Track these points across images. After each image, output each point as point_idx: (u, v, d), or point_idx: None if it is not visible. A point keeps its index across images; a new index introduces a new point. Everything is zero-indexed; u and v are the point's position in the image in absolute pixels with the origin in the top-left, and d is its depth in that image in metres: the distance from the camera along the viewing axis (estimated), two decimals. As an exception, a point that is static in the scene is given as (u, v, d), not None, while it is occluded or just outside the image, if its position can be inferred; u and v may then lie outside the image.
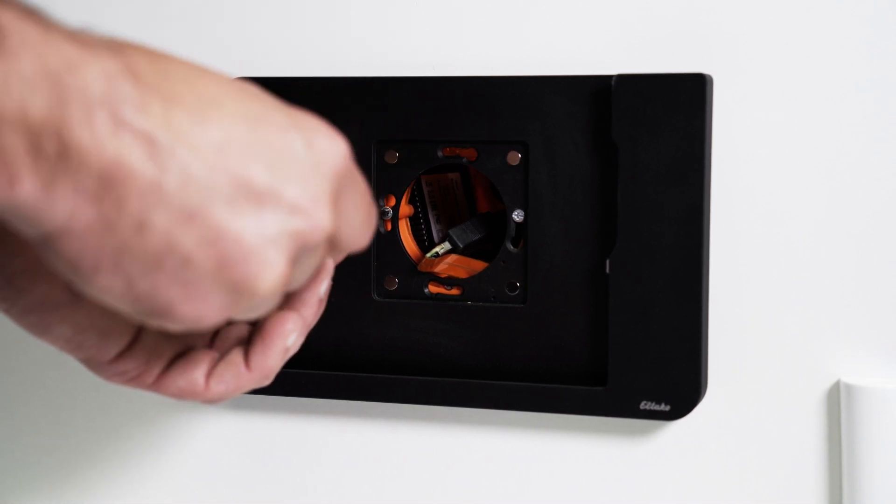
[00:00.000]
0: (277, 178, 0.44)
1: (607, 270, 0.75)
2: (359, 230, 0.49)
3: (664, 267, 0.73)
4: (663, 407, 0.74)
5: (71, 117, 0.40)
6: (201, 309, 0.44)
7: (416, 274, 0.80)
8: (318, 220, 0.45)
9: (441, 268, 0.79)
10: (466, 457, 0.82)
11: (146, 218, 0.42)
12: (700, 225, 0.73)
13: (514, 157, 0.77)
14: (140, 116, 0.41)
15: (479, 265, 0.80)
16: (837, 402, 0.75)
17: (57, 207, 0.41)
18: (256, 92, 0.48)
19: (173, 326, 0.45)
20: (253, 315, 0.46)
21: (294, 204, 0.44)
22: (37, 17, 0.43)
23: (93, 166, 0.41)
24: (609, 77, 0.74)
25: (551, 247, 0.77)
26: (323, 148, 0.46)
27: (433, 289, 0.80)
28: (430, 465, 0.83)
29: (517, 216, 0.77)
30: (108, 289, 0.43)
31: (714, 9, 0.75)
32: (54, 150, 0.40)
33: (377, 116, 0.79)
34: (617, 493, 0.80)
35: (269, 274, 0.44)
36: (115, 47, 0.44)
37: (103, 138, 0.41)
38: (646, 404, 0.74)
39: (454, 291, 0.80)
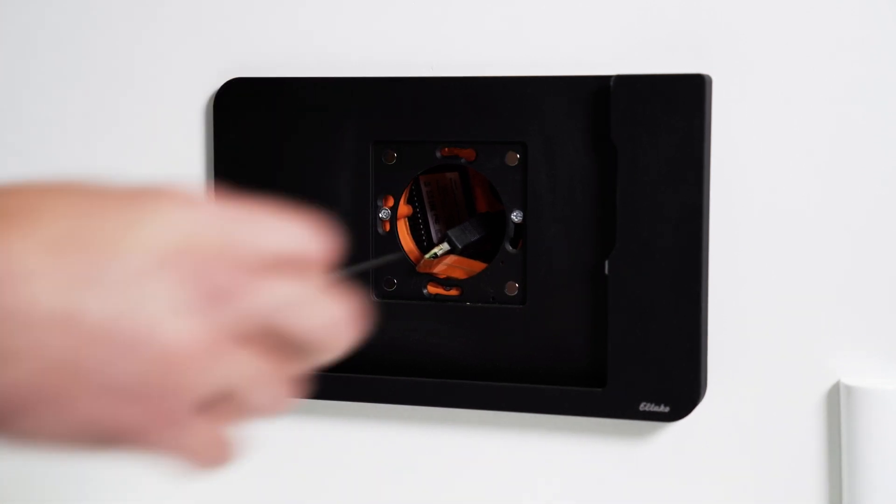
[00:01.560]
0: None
1: (606, 271, 0.75)
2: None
3: (663, 267, 0.73)
4: (663, 408, 0.74)
5: None
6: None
7: (414, 275, 0.80)
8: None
9: (440, 268, 0.79)
10: (466, 458, 0.82)
11: (21, 338, 0.40)
12: (699, 225, 0.73)
13: (513, 158, 0.77)
14: None
15: (477, 266, 0.80)
16: (837, 402, 0.75)
17: None
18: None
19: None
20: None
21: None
22: None
23: None
24: (608, 77, 0.74)
25: (550, 247, 0.77)
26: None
27: (432, 289, 0.80)
28: (430, 466, 0.83)
29: (516, 217, 0.77)
30: (39, 426, 0.42)
31: (713, 9, 0.75)
32: None
33: (376, 117, 0.79)
34: (617, 495, 0.80)
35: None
36: None
37: None
38: (645, 405, 0.74)
39: (453, 292, 0.80)
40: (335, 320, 0.47)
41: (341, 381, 0.80)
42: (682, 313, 0.73)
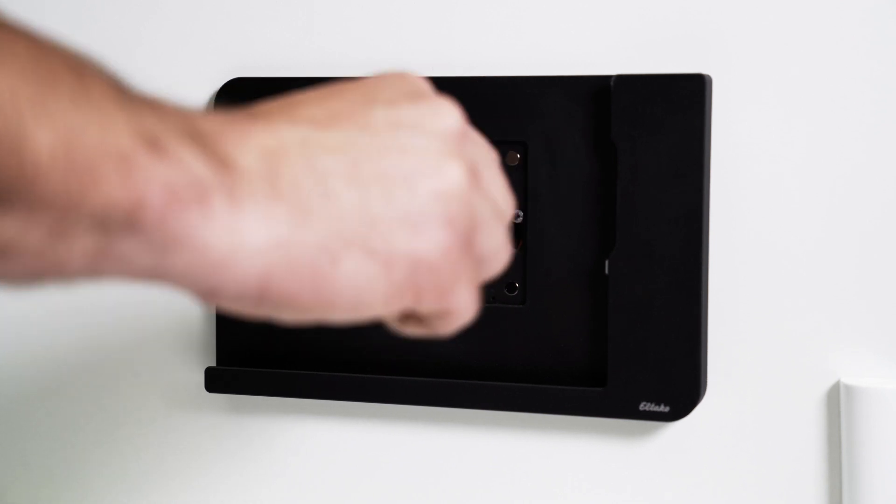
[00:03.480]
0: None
1: (606, 271, 0.75)
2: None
3: (663, 267, 0.73)
4: (663, 408, 0.74)
5: (214, 131, 0.45)
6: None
7: (415, 274, 0.80)
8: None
9: (440, 268, 0.78)
10: (465, 458, 0.82)
11: (325, 184, 0.44)
12: (699, 225, 0.73)
13: (513, 158, 0.77)
14: (257, 123, 0.47)
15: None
16: (837, 402, 0.75)
17: (253, 217, 0.42)
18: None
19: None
20: None
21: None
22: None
23: (254, 162, 0.44)
24: (608, 77, 0.74)
25: (550, 247, 0.77)
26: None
27: (432, 289, 0.80)
28: (430, 466, 0.83)
29: (516, 217, 0.77)
30: (357, 276, 0.45)
31: (713, 9, 0.75)
32: (219, 157, 0.42)
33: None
34: (616, 495, 0.80)
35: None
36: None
37: (243, 135, 0.45)
38: (645, 405, 0.74)
39: (453, 292, 0.80)
40: (506, 189, 0.52)
41: (341, 382, 0.80)
42: (682, 313, 0.73)
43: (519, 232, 0.78)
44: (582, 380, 0.77)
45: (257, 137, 0.44)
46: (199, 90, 0.84)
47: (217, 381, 0.83)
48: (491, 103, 0.77)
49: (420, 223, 0.46)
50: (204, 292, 0.42)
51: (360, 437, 0.84)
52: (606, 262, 0.75)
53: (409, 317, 0.48)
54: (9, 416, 0.92)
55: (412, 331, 0.49)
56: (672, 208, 0.73)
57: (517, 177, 0.77)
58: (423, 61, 0.80)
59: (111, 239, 0.40)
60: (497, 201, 0.50)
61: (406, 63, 0.80)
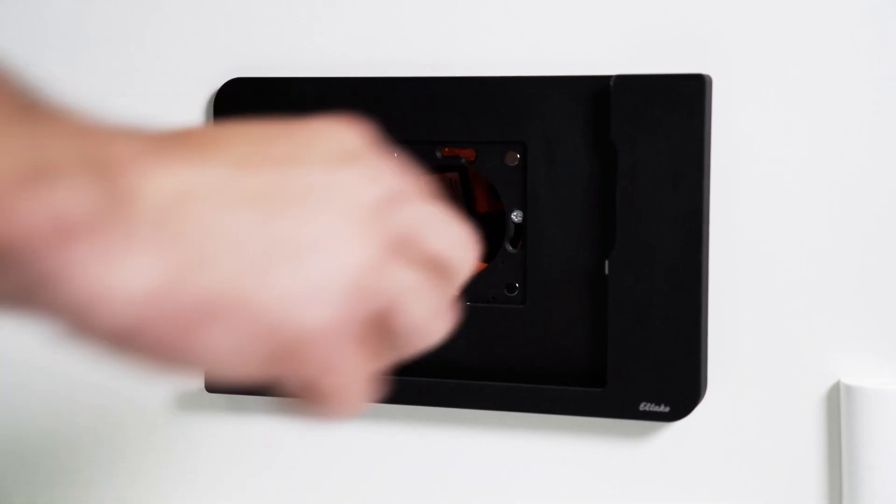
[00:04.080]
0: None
1: (606, 271, 0.75)
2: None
3: (663, 268, 0.73)
4: (663, 408, 0.74)
5: (114, 168, 0.40)
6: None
7: (415, 274, 0.80)
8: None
9: (440, 268, 0.78)
10: (465, 458, 0.82)
11: (217, 239, 0.42)
12: (699, 225, 0.73)
13: (513, 158, 0.77)
14: (168, 157, 0.42)
15: (477, 266, 0.80)
16: (837, 402, 0.75)
17: (132, 260, 0.39)
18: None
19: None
20: None
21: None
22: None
23: (150, 206, 0.40)
24: (608, 77, 0.74)
25: (550, 248, 0.77)
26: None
27: (432, 289, 0.80)
28: (430, 466, 0.83)
29: (516, 217, 0.77)
30: (218, 345, 0.43)
31: (713, 9, 0.75)
32: (112, 190, 0.39)
33: (376, 117, 0.79)
34: (616, 495, 0.80)
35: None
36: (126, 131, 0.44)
37: (144, 177, 0.41)
38: (645, 405, 0.74)
39: (453, 292, 0.80)
40: (462, 239, 0.49)
41: (341, 381, 0.80)
42: (682, 313, 0.73)
43: (519, 232, 0.78)
44: (582, 380, 0.77)
45: (171, 174, 0.41)
46: (199, 90, 0.84)
47: (217, 381, 0.83)
48: (491, 103, 0.77)
49: (311, 298, 0.44)
50: (66, 330, 0.40)
51: (361, 437, 0.84)
52: (606, 262, 0.75)
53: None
54: (9, 417, 0.92)
55: (306, 404, 0.47)
56: (672, 208, 0.73)
57: (516, 177, 0.77)
58: (423, 61, 0.80)
59: None
60: (438, 263, 0.47)
61: (406, 63, 0.80)
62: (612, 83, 0.73)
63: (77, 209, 0.38)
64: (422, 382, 0.79)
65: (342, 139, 0.47)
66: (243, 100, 0.82)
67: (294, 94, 0.81)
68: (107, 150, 0.40)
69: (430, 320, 0.48)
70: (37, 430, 0.91)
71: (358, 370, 0.46)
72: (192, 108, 0.84)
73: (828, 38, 0.73)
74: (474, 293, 0.79)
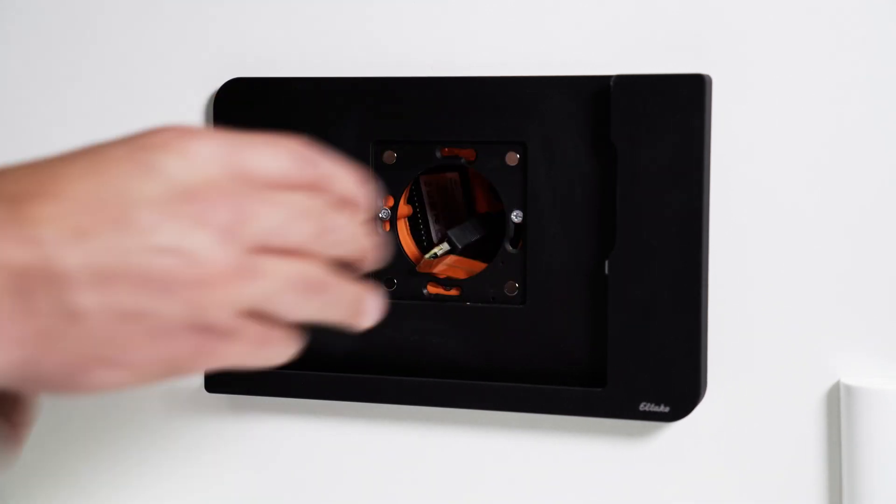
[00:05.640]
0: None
1: (606, 271, 0.75)
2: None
3: (663, 268, 0.73)
4: (663, 408, 0.74)
5: None
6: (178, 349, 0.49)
7: (414, 274, 0.80)
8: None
9: (440, 268, 0.79)
10: (465, 458, 0.82)
11: (71, 305, 0.46)
12: (699, 225, 0.73)
13: (513, 158, 0.77)
14: (13, 229, 0.46)
15: (477, 266, 0.80)
16: (837, 402, 0.75)
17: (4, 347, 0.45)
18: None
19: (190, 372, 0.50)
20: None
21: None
22: None
23: (4, 285, 0.44)
24: (608, 77, 0.74)
25: (550, 247, 0.77)
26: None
27: (432, 289, 0.80)
28: (430, 466, 0.83)
29: (516, 217, 0.77)
30: (108, 381, 0.48)
31: (713, 9, 0.75)
32: None
33: (375, 117, 0.79)
34: (616, 495, 0.80)
35: None
36: None
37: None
38: (645, 405, 0.74)
39: (453, 292, 0.80)
40: (349, 229, 0.53)
41: (341, 381, 0.80)
42: (682, 313, 0.73)
43: (519, 232, 0.78)
44: (582, 380, 0.77)
45: (10, 252, 0.45)
46: (199, 90, 0.84)
47: (217, 381, 0.83)
48: (490, 103, 0.76)
49: (169, 333, 0.48)
50: None
51: (361, 437, 0.84)
52: (606, 263, 0.75)
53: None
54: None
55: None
56: (672, 208, 0.73)
57: (516, 177, 0.77)
58: (424, 61, 0.80)
59: None
60: (314, 250, 0.51)
61: (406, 63, 0.80)
62: (612, 83, 0.73)
63: None
64: (422, 382, 0.79)
65: (170, 161, 0.49)
66: (243, 100, 0.82)
67: (294, 94, 0.81)
68: None
69: (307, 310, 0.52)
70: (37, 430, 0.91)
71: (253, 335, 0.51)
72: (192, 108, 0.84)
73: (828, 38, 0.73)
74: (474, 293, 0.79)
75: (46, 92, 0.87)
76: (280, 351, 0.53)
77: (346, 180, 0.55)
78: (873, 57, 0.73)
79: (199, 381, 0.85)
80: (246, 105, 0.82)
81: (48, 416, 0.91)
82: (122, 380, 0.48)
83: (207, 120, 0.84)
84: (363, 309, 0.55)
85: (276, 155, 0.52)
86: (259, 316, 0.51)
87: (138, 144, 0.50)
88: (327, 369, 0.81)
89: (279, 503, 0.86)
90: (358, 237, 0.55)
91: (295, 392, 0.81)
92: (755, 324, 0.76)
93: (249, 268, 0.49)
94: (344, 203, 0.55)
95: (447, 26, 0.80)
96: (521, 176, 0.77)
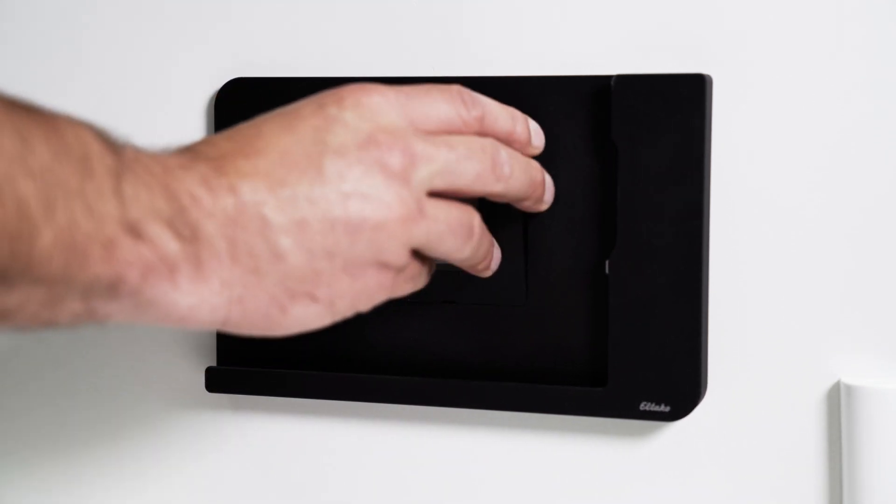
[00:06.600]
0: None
1: (607, 271, 0.75)
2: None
3: (664, 267, 0.73)
4: (663, 408, 0.74)
5: (187, 205, 0.51)
6: (367, 284, 0.56)
7: (415, 274, 0.80)
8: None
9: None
10: (465, 457, 0.82)
11: (274, 247, 0.52)
12: (700, 225, 0.73)
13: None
14: (220, 180, 0.52)
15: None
16: (837, 402, 0.75)
17: (213, 283, 0.51)
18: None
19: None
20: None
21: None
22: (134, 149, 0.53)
23: (217, 231, 0.51)
24: (608, 77, 0.74)
25: (550, 247, 0.77)
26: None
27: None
28: (430, 466, 0.83)
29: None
30: (304, 317, 0.54)
31: (714, 9, 0.75)
32: (189, 233, 0.50)
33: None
34: (616, 495, 0.80)
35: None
36: (186, 149, 0.55)
37: (210, 205, 0.51)
38: (645, 405, 0.74)
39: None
40: (517, 163, 0.63)
41: (341, 381, 0.80)
42: (683, 312, 0.73)
43: (519, 232, 0.78)
44: (582, 380, 0.77)
45: (221, 203, 0.52)
46: (199, 90, 0.84)
47: (217, 380, 0.83)
48: (491, 103, 0.76)
49: (359, 269, 0.55)
50: (174, 326, 0.52)
51: (360, 437, 0.84)
52: (606, 262, 0.75)
53: None
54: (9, 417, 0.92)
55: None
56: (672, 208, 0.73)
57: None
58: (424, 61, 0.80)
59: (95, 303, 0.49)
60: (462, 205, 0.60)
61: (406, 63, 0.80)
62: (612, 83, 0.73)
63: (162, 254, 0.49)
64: (422, 382, 0.79)
65: (357, 114, 0.56)
66: (244, 100, 0.82)
67: (294, 94, 0.80)
68: (174, 195, 0.50)
69: (466, 247, 0.61)
70: (37, 430, 0.91)
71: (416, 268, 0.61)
72: (192, 108, 0.84)
73: (828, 38, 0.74)
74: (474, 293, 0.79)
75: (46, 92, 0.87)
76: (421, 283, 0.62)
77: (508, 118, 0.63)
78: (874, 57, 0.73)
79: (199, 380, 0.85)
80: (246, 105, 0.81)
81: (48, 415, 0.91)
82: (317, 314, 0.55)
83: (208, 120, 0.84)
84: (491, 262, 0.66)
85: (442, 100, 0.59)
86: (419, 254, 0.59)
87: (321, 102, 0.57)
88: (327, 369, 0.81)
89: (279, 503, 0.86)
90: (526, 170, 0.64)
91: (295, 392, 0.81)
92: (755, 324, 0.76)
93: (421, 211, 0.56)
94: (510, 140, 0.63)
95: (447, 26, 0.80)
96: (522, 176, 0.77)
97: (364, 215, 0.54)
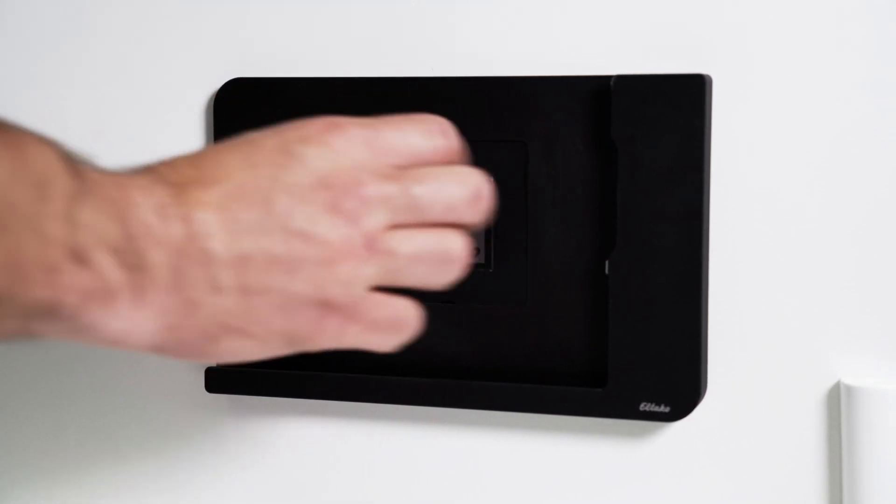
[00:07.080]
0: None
1: (607, 271, 0.75)
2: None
3: (664, 267, 0.73)
4: (663, 408, 0.74)
5: (138, 233, 0.51)
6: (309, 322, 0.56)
7: (415, 274, 0.80)
8: None
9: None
10: (465, 458, 0.82)
11: (214, 280, 0.52)
12: (700, 225, 0.73)
13: (514, 158, 0.77)
14: (176, 209, 0.52)
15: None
16: (837, 402, 0.75)
17: (150, 310, 0.51)
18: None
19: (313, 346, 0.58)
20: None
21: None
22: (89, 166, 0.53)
23: (163, 260, 0.51)
24: (608, 77, 0.74)
25: (550, 247, 0.77)
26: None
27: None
28: (430, 467, 0.83)
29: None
30: (235, 350, 0.55)
31: (714, 9, 0.75)
32: (134, 262, 0.50)
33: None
34: (616, 495, 0.80)
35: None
36: (149, 171, 0.55)
37: (161, 234, 0.51)
38: (645, 405, 0.74)
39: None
40: (472, 190, 0.60)
41: (341, 382, 0.80)
42: (683, 313, 0.73)
43: (519, 232, 0.78)
44: (582, 380, 0.77)
45: (172, 231, 0.52)
46: (199, 90, 0.84)
47: (217, 381, 0.83)
48: (491, 103, 0.76)
49: (296, 307, 0.54)
50: (106, 347, 0.53)
51: (360, 437, 0.84)
52: (607, 262, 0.75)
53: None
54: (9, 417, 0.92)
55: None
56: (672, 208, 0.73)
57: (517, 177, 0.77)
58: (424, 61, 0.80)
59: (32, 323, 0.50)
60: (426, 249, 0.58)
61: (405, 63, 0.80)
62: (612, 83, 0.73)
63: (103, 282, 0.50)
64: (422, 382, 0.79)
65: (319, 154, 0.56)
66: (243, 100, 0.82)
67: (294, 94, 0.81)
68: (126, 223, 0.51)
69: (437, 275, 0.60)
70: (37, 430, 0.91)
71: (378, 310, 0.58)
72: (192, 108, 0.84)
73: (828, 37, 0.74)
74: (474, 293, 0.79)
75: (46, 92, 0.87)
76: (397, 336, 0.60)
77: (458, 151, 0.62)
78: (874, 57, 0.73)
79: (199, 380, 0.85)
80: (246, 105, 0.82)
81: (48, 416, 0.91)
82: (248, 348, 0.55)
83: (207, 120, 0.84)
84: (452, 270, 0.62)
85: (414, 131, 0.59)
86: (389, 290, 0.57)
87: (286, 137, 0.56)
88: (327, 369, 0.81)
89: (279, 503, 0.86)
90: (478, 206, 0.61)
91: (295, 392, 0.81)
92: (755, 324, 0.76)
93: (371, 248, 0.55)
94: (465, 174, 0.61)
95: (447, 26, 0.80)
96: (522, 176, 0.77)
97: (305, 254, 0.53)
